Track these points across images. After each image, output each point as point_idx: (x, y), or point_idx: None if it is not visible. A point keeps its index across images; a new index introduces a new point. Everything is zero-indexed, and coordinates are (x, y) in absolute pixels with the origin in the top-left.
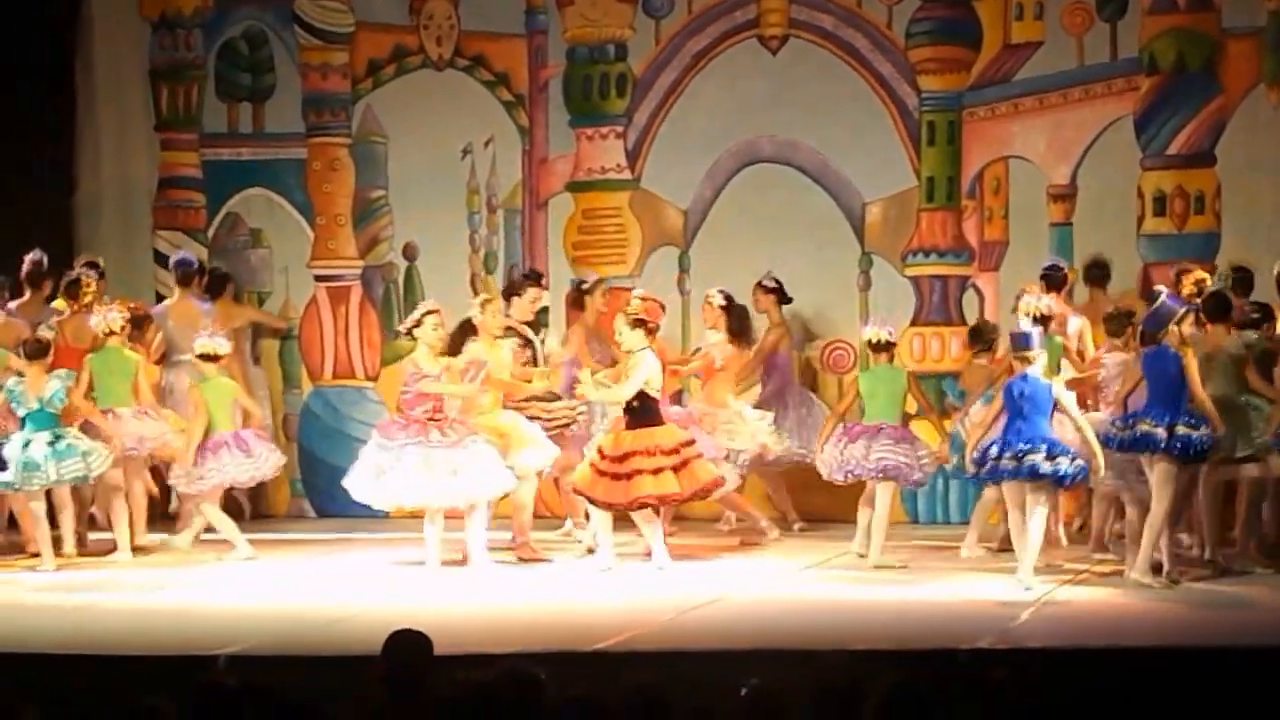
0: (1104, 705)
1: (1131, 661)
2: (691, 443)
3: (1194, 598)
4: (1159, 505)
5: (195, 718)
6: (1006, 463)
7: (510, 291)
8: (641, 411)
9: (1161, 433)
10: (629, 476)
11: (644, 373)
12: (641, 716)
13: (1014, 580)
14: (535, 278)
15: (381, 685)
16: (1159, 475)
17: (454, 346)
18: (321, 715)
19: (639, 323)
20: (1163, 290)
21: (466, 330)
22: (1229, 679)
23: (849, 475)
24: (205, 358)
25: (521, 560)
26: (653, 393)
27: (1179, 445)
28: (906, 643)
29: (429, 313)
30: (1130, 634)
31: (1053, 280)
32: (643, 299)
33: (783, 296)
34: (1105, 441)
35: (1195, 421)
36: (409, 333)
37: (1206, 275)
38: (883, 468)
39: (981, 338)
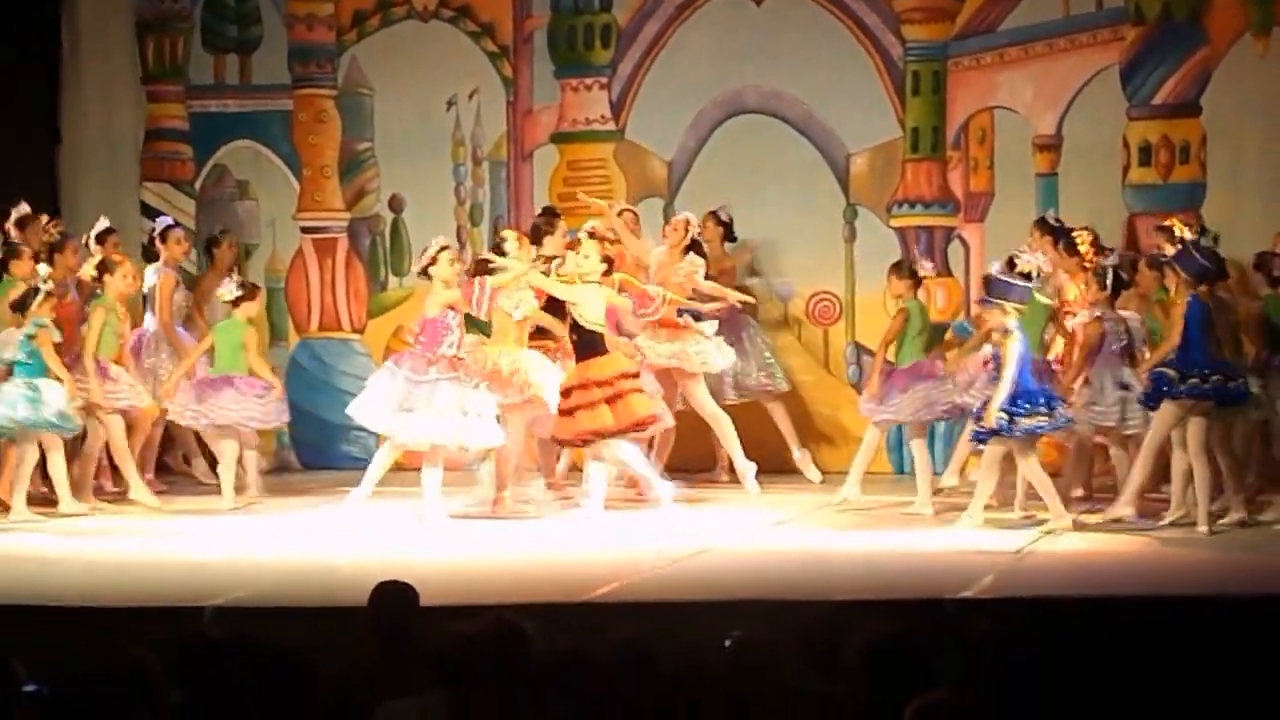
0: (1090, 654)
1: (1118, 611)
2: (632, 375)
3: (1180, 546)
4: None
5: (181, 669)
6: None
7: (536, 236)
8: (581, 344)
9: (1239, 385)
10: (572, 412)
11: (581, 296)
12: (630, 670)
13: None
14: (551, 213)
15: (370, 637)
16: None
17: None
18: (310, 666)
19: (609, 260)
20: (1190, 236)
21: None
22: (1218, 628)
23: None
24: (228, 303)
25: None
26: (590, 326)
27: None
28: (892, 593)
29: (443, 249)
30: (1117, 583)
31: (1055, 230)
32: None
33: (729, 234)
34: (1170, 393)
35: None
36: (424, 272)
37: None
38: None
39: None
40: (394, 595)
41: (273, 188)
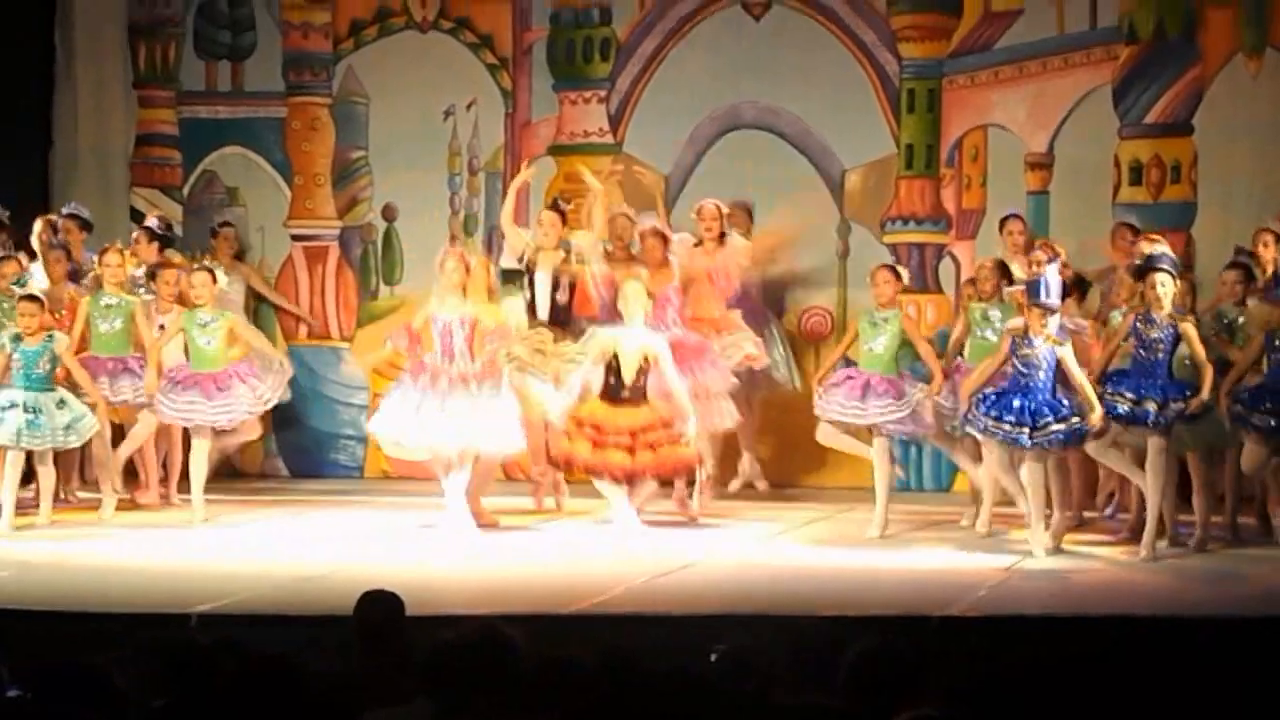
0: (1078, 672)
1: (1106, 629)
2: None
3: (1164, 569)
4: None
5: (167, 676)
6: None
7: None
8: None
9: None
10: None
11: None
12: (616, 680)
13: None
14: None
15: (356, 645)
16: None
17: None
18: (296, 673)
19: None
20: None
21: None
22: (1201, 649)
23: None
24: None
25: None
26: None
27: None
28: (881, 609)
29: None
30: (1105, 602)
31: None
32: None
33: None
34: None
35: None
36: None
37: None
38: None
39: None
40: (380, 604)
41: (262, 195)
